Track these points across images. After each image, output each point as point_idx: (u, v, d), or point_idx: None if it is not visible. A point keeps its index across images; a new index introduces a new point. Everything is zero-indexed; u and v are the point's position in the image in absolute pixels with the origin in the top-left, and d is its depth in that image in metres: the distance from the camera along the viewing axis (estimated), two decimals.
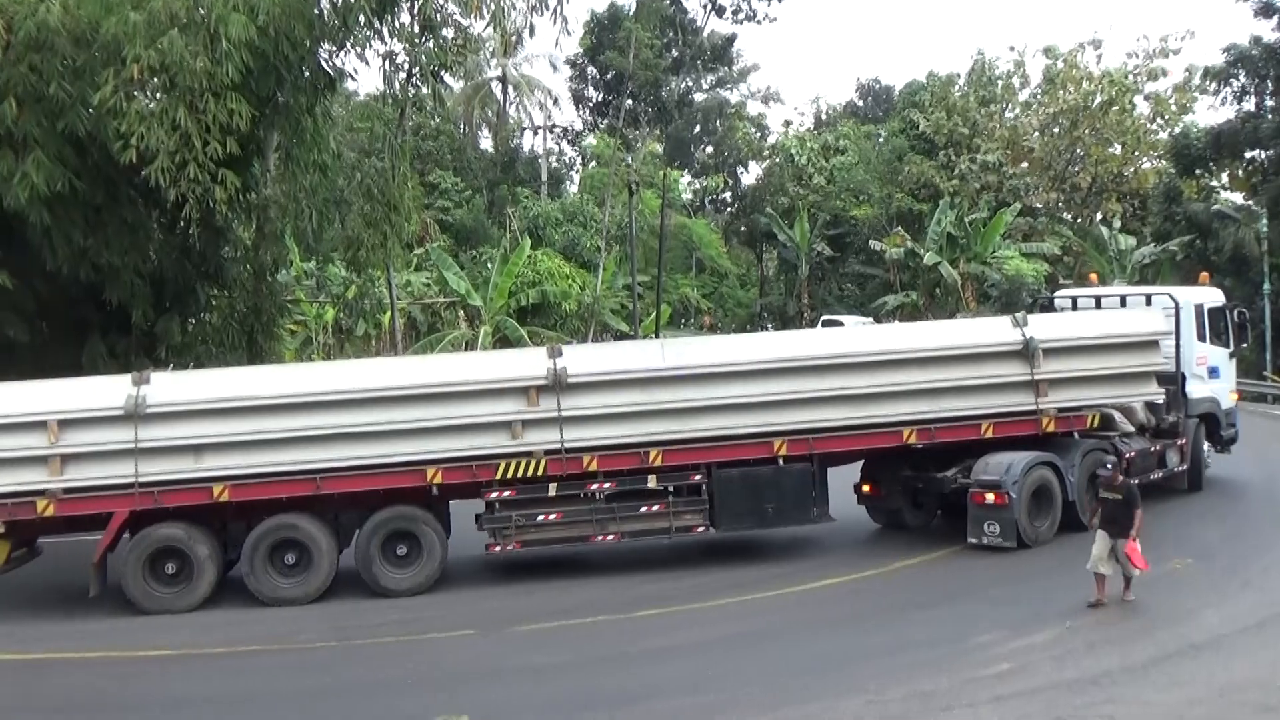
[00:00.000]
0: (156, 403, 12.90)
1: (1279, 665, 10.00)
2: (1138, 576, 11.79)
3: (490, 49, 57.18)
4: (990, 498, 14.44)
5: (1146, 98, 52.42)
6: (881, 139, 59.58)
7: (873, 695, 9.51)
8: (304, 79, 16.86)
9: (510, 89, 61.33)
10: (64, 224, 15.07)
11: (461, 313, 42.17)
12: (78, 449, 12.87)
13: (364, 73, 39.74)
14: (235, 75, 14.13)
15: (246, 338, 18.54)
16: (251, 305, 18.55)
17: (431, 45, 17.87)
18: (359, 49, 17.29)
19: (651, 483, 14.08)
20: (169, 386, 13.22)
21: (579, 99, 60.44)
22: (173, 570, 13.25)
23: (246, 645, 11.94)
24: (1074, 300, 19.06)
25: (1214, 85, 41.10)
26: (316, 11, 15.91)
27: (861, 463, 15.98)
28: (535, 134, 63.99)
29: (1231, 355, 19.00)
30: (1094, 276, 27.63)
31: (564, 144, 66.02)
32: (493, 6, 18.95)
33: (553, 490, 13.83)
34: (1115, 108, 50.79)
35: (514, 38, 51.39)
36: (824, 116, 71.24)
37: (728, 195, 70.32)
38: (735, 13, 43.07)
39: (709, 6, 44.36)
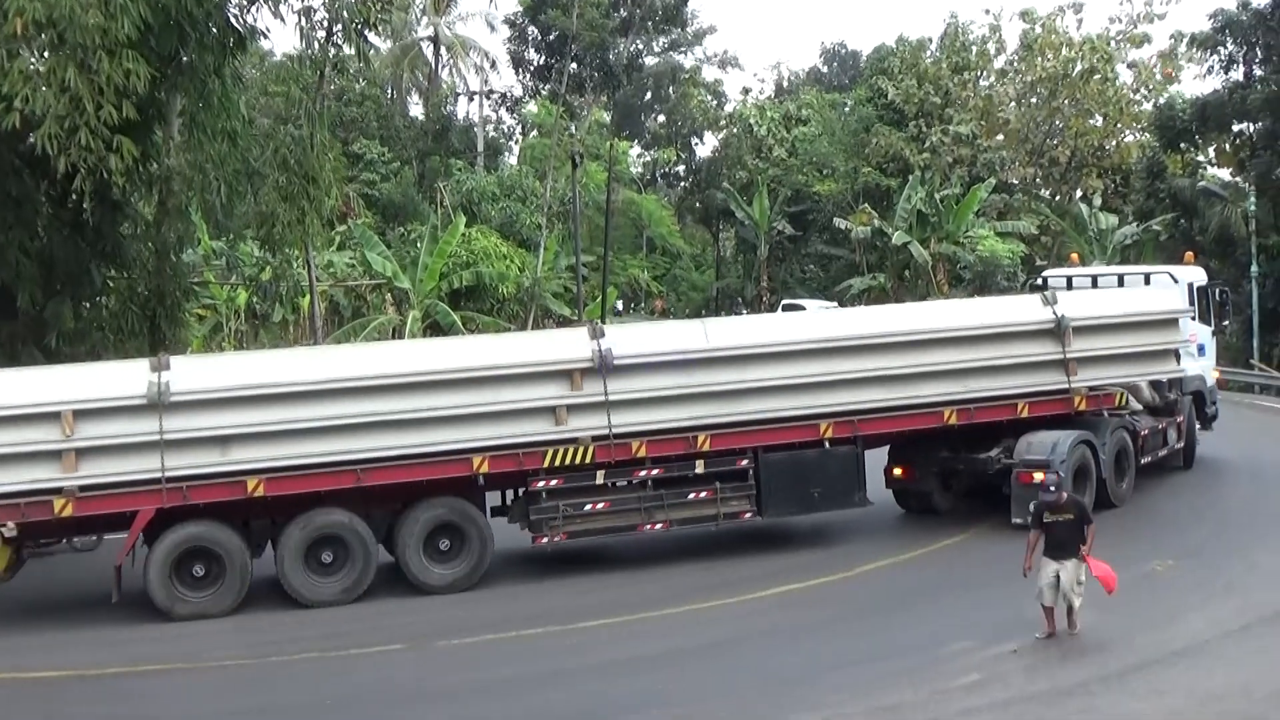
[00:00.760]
0: (181, 390, 12.74)
1: (1263, 672, 10.22)
2: (1092, 598, 11.46)
3: (420, 6, 56.75)
4: (1038, 477, 14.68)
5: (1130, 66, 53.34)
6: (847, 108, 60.01)
7: (834, 709, 9.60)
8: (211, 36, 16.59)
9: (443, 50, 60.84)
10: None
11: (389, 296, 41.86)
12: (96, 442, 12.62)
13: (280, 31, 39.43)
14: (132, 31, 13.85)
15: (148, 323, 18.27)
16: (153, 288, 18.27)
17: (354, 0, 17.68)
18: (273, 4, 17.10)
19: (699, 468, 14.49)
20: (192, 373, 13.17)
21: (518, 62, 60.32)
22: (201, 572, 13.14)
23: (152, 664, 11.76)
24: (1069, 280, 19.93)
25: (1200, 53, 41.89)
26: None
27: (888, 447, 16.55)
28: (470, 100, 63.68)
29: (1214, 333, 20.52)
30: (1075, 257, 28.55)
31: (502, 111, 65.85)
32: None
33: (600, 478, 14.14)
34: (1096, 76, 51.59)
35: None
36: (785, 84, 71.66)
37: (681, 169, 70.48)
38: None
39: None
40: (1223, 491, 18.22)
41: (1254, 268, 36.51)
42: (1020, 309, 16.50)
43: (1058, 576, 10.94)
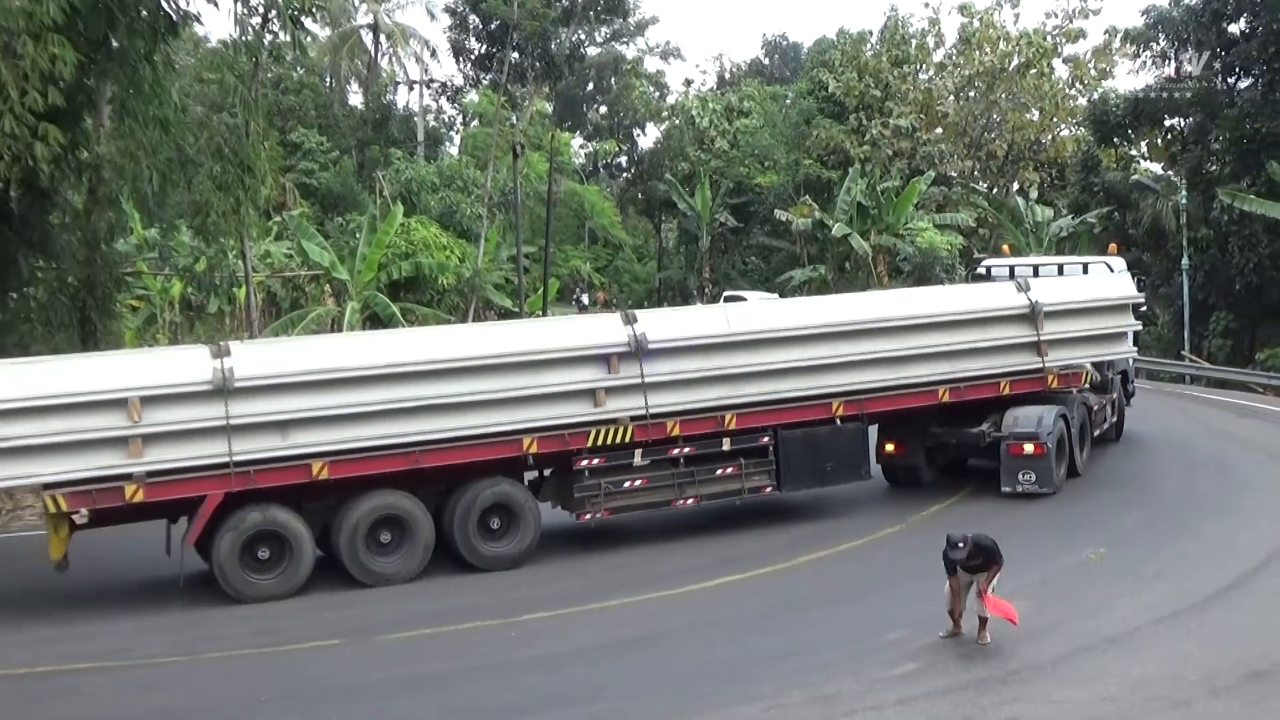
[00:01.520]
0: (244, 376, 12.92)
1: (1192, 658, 10.43)
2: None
3: None
4: (1029, 449, 16.74)
5: (1065, 61, 54.18)
6: (788, 101, 60.31)
7: (771, 700, 9.64)
8: (141, 21, 16.31)
9: (382, 38, 60.27)
10: None
11: (328, 287, 41.34)
12: (163, 428, 12.70)
13: (213, 16, 38.82)
14: (58, 15, 13.59)
15: (79, 315, 17.96)
16: (84, 278, 17.96)
17: None
18: None
19: (726, 446, 15.31)
20: (252, 359, 13.29)
21: (459, 51, 59.84)
22: (266, 555, 13.31)
23: (82, 663, 11.51)
24: (1011, 269, 21.23)
25: (1133, 49, 42.63)
26: None
27: (877, 426, 17.36)
28: (410, 89, 63.23)
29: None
30: (1007, 249, 29.72)
31: (442, 101, 65.35)
32: None
33: (639, 457, 14.77)
34: (1033, 71, 52.35)
35: None
36: (727, 75, 71.91)
37: (623, 160, 70.49)
38: None
39: None
40: (1152, 481, 18.58)
41: (1184, 260, 37.21)
42: (998, 295, 17.77)
43: (970, 585, 10.72)
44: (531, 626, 12.26)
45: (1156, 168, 44.99)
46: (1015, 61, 52.62)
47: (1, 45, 13.47)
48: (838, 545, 15.13)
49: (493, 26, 54.98)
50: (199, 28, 27.64)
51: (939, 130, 55.79)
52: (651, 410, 14.69)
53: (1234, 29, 38.22)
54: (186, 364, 13.08)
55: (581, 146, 68.13)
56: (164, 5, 16.88)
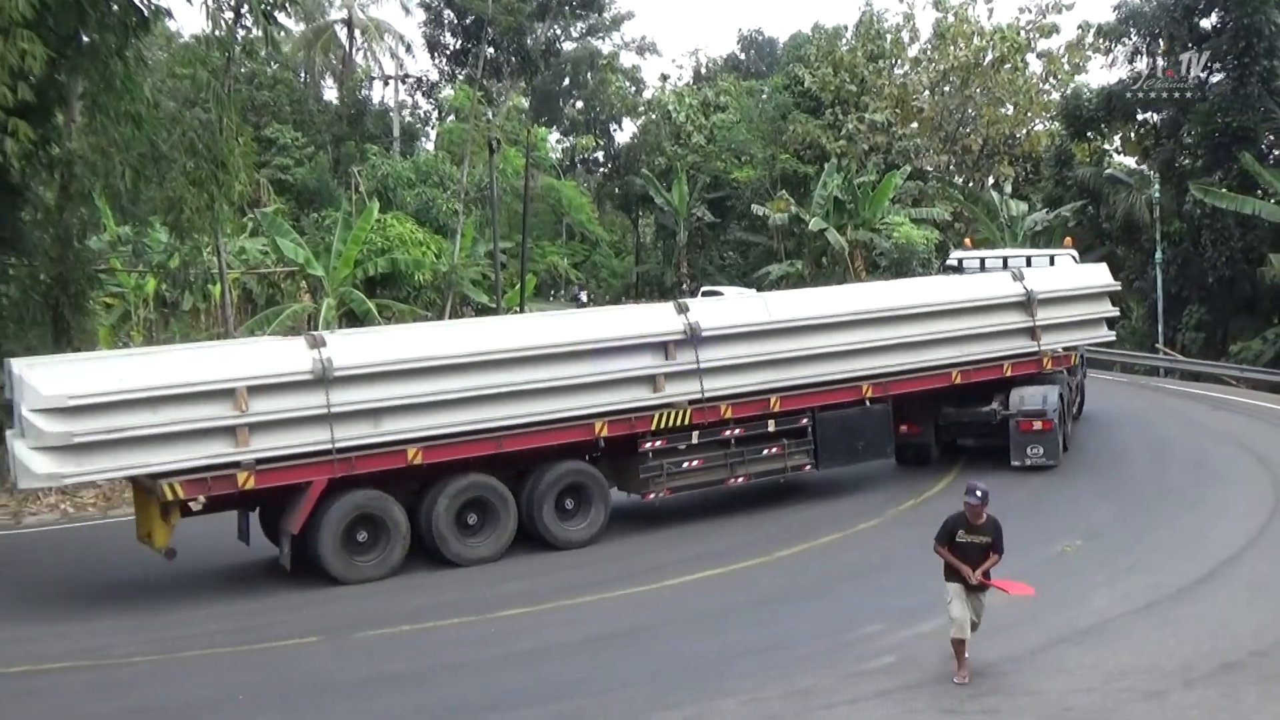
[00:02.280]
0: (342, 365, 13.41)
1: (1167, 649, 10.52)
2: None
3: None
4: (1038, 425, 18.17)
5: (1039, 56, 54.40)
6: (765, 96, 60.39)
7: (750, 694, 9.66)
8: (112, 15, 16.19)
9: (357, 33, 60.00)
10: None
11: (304, 284, 41.08)
12: (269, 416, 13.11)
13: (185, 11, 38.57)
14: (27, 10, 13.46)
15: (51, 313, 17.79)
16: (56, 276, 17.81)
17: None
18: None
19: (770, 427, 16.18)
20: (347, 348, 13.77)
21: (434, 46, 59.52)
22: (364, 538, 13.82)
23: (58, 662, 11.41)
24: (982, 261, 22.69)
25: (1106, 43, 42.84)
26: None
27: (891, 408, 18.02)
28: (385, 84, 62.88)
29: None
30: (969, 242, 30.76)
31: (418, 96, 65.09)
32: None
33: (695, 438, 15.61)
34: (1007, 65, 52.57)
35: None
36: (704, 70, 71.94)
37: (600, 155, 70.45)
38: None
39: None
40: (1127, 473, 18.71)
41: (1158, 254, 37.44)
42: (997, 284, 18.97)
43: (972, 609, 9.86)
44: (509, 623, 12.24)
45: (1130, 162, 45.25)
46: (989, 56, 52.82)
47: None
48: (815, 539, 15.16)
49: (468, 21, 54.70)
50: (171, 23, 27.53)
51: (914, 125, 55.96)
52: (706, 394, 15.57)
53: (1205, 23, 38.47)
54: (287, 354, 13.54)
55: (558, 142, 68.07)
56: (135, 0, 16.73)
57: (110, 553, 15.93)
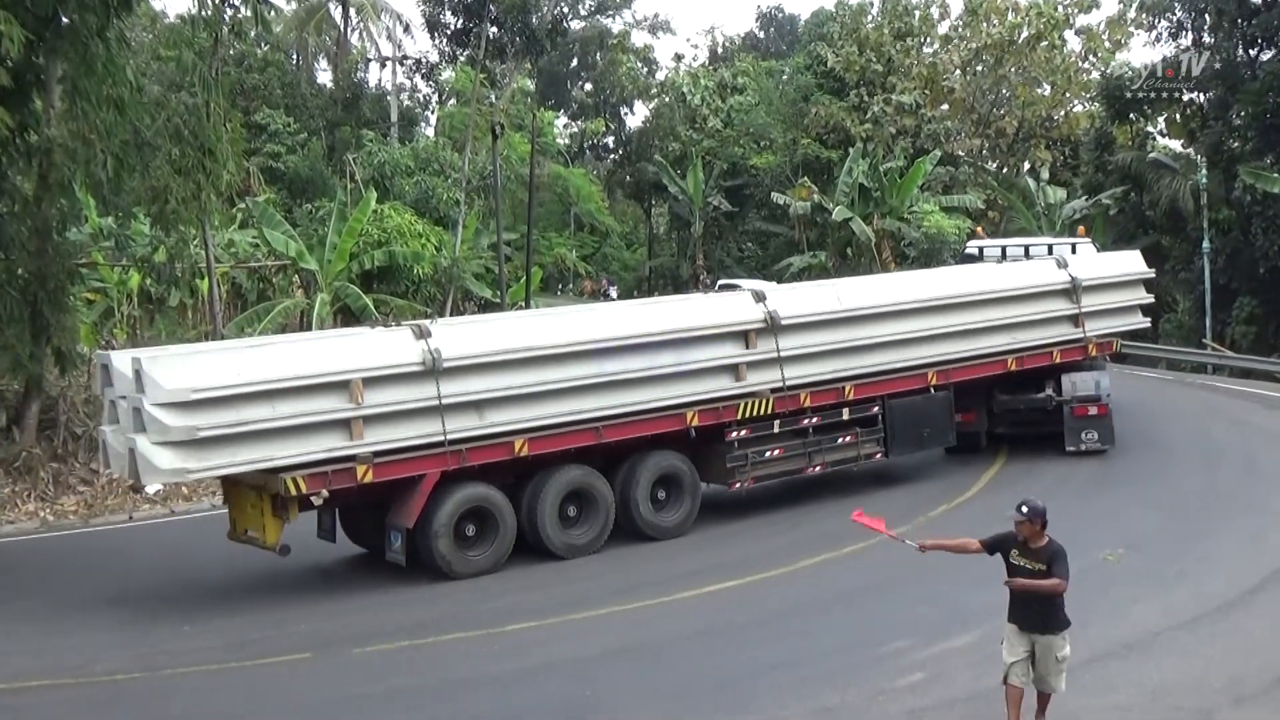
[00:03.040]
0: (450, 357, 13.89)
1: (1214, 664, 10.48)
2: None
3: None
4: (1094, 410, 19.40)
5: (1078, 33, 54.12)
6: (785, 77, 60.24)
7: (773, 713, 9.66)
8: None
9: (352, 12, 60.04)
10: None
11: (297, 278, 41.14)
12: (383, 409, 13.56)
13: None
14: None
15: (30, 309, 17.85)
16: (34, 270, 17.87)
17: None
18: None
19: (845, 415, 17.07)
20: (453, 339, 14.23)
21: (434, 25, 59.37)
22: (472, 532, 14.35)
23: (39, 679, 11.45)
24: (1003, 250, 23.34)
25: (1149, 19, 42.62)
26: None
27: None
28: (383, 67, 62.88)
29: None
30: (979, 230, 31.97)
31: (417, 79, 65.02)
32: None
33: (776, 427, 16.38)
34: (1044, 43, 52.27)
35: None
36: (720, 50, 71.80)
37: (610, 140, 70.42)
38: None
39: None
40: (1173, 477, 18.62)
41: (1205, 243, 37.19)
42: (1045, 271, 20.05)
43: (1031, 653, 8.86)
44: (515, 637, 12.26)
45: (1175, 145, 44.99)
46: (1025, 33, 52.50)
47: None
48: (840, 548, 15.07)
49: None
50: (155, 2, 27.62)
51: (945, 107, 55.72)
52: (787, 383, 16.32)
53: None
54: (396, 346, 13.90)
55: (566, 126, 68.12)
56: None
57: (93, 564, 16.00)
